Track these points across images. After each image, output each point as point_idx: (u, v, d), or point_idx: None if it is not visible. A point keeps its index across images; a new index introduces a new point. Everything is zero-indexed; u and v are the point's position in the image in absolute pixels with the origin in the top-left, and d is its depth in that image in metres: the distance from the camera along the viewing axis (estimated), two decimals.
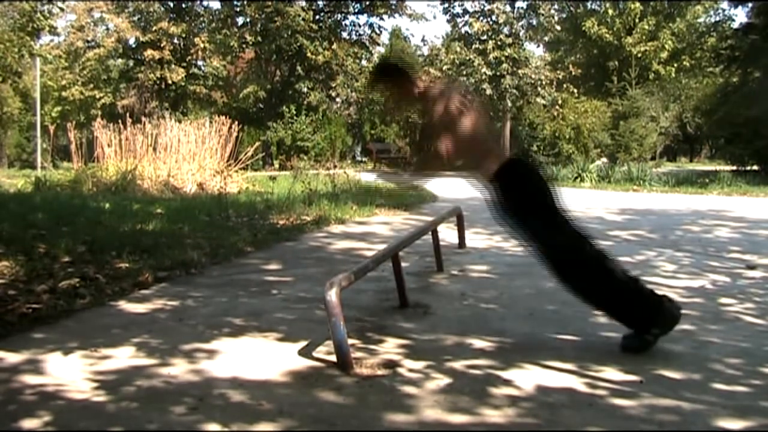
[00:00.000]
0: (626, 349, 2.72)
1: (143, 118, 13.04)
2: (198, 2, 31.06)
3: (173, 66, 29.86)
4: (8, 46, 22.25)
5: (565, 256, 2.78)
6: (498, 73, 19.80)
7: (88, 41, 30.97)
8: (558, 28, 23.60)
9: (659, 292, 2.91)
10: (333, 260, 4.96)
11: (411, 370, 2.50)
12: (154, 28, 29.36)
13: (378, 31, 30.85)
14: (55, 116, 33.19)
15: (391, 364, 2.57)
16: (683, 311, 3.39)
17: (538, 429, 2.01)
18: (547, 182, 2.87)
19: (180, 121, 13.35)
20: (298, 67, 29.30)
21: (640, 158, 21.96)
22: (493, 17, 19.92)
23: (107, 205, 7.68)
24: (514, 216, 2.83)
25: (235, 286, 4.01)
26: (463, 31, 21.09)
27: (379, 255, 3.26)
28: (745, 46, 18.52)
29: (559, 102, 23.11)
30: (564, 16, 30.57)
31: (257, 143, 16.76)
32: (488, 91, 19.94)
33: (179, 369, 2.50)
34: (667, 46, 31.20)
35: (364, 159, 32.10)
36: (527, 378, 2.41)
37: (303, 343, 2.82)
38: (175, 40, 30.54)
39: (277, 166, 26.39)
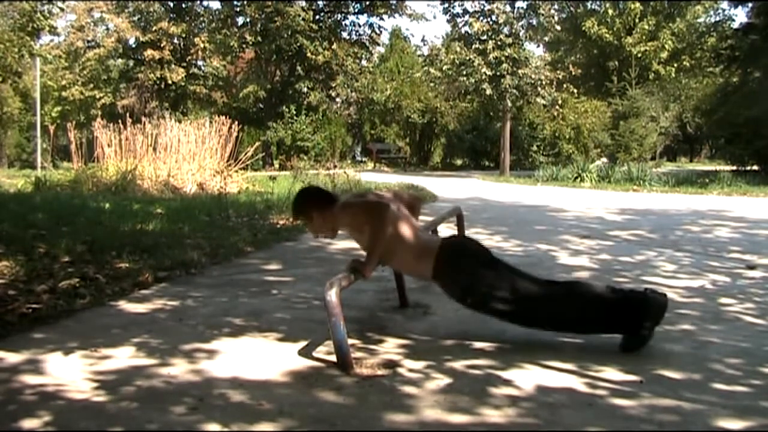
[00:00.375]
0: (627, 349, 2.73)
1: (143, 118, 13.03)
2: (198, 2, 31.09)
3: (173, 66, 29.88)
4: (8, 46, 22.24)
5: (534, 300, 2.77)
6: (498, 73, 19.75)
7: (88, 41, 30.99)
8: (558, 28, 23.54)
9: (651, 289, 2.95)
10: (333, 260, 4.96)
11: (411, 370, 2.50)
12: (154, 28, 29.38)
13: (378, 31, 30.88)
14: (55, 116, 33.21)
15: (391, 364, 2.57)
16: (683, 311, 3.41)
17: (538, 429, 2.01)
18: (479, 244, 3.01)
19: (180, 121, 13.33)
20: (298, 67, 29.32)
21: (640, 158, 21.95)
22: (493, 17, 19.86)
23: (107, 205, 7.68)
24: (471, 282, 2.82)
25: (235, 286, 4.01)
26: (463, 31, 21.04)
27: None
28: (745, 46, 18.54)
29: (559, 102, 23.09)
30: (564, 16, 30.55)
31: (257, 143, 16.75)
32: (488, 91, 19.90)
33: (179, 369, 2.50)
34: (667, 46, 31.21)
35: (364, 159, 32.13)
36: (527, 378, 2.41)
37: (303, 343, 2.82)
38: (175, 40, 30.56)
39: (277, 166, 26.40)
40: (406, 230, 2.90)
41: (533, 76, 20.22)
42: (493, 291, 2.77)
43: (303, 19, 26.56)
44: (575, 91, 24.46)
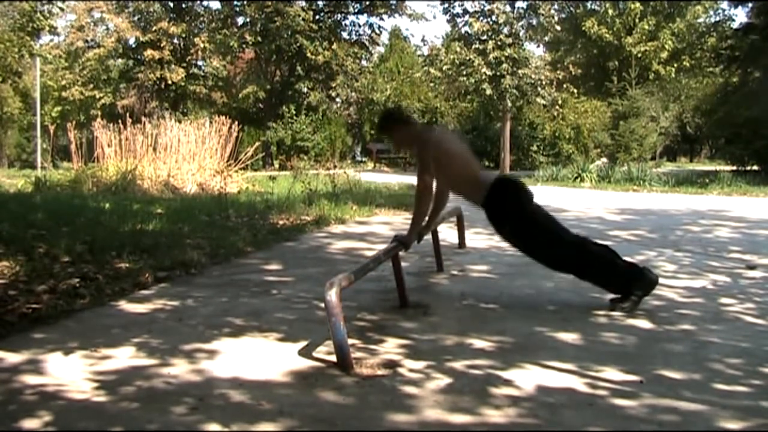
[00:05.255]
0: (614, 305, 3.34)
1: (143, 118, 13.04)
2: (198, 2, 31.07)
3: (173, 66, 29.84)
4: (8, 46, 22.22)
5: (555, 240, 3.43)
6: (498, 73, 19.75)
7: (88, 41, 30.96)
8: (558, 28, 23.52)
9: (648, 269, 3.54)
10: (333, 260, 4.96)
11: (411, 370, 2.50)
12: (154, 28, 29.34)
13: (378, 31, 30.88)
14: (55, 116, 33.13)
15: (391, 364, 2.57)
16: (683, 311, 3.42)
17: (539, 429, 2.01)
18: (525, 189, 3.56)
19: (180, 121, 13.34)
20: (298, 67, 29.30)
21: (640, 158, 21.92)
22: (493, 17, 19.87)
23: (107, 205, 7.68)
24: (511, 216, 3.49)
25: (235, 286, 4.01)
26: (463, 31, 21.06)
27: (379, 255, 3.27)
28: (745, 46, 18.52)
29: (559, 102, 23.09)
30: (564, 16, 30.52)
31: (257, 143, 16.75)
32: (488, 91, 19.89)
33: (179, 369, 2.50)
34: (667, 46, 31.15)
35: (364, 159, 32.12)
36: (527, 378, 2.41)
37: (303, 343, 2.82)
38: (175, 40, 30.53)
39: (277, 166, 26.40)
40: (465, 168, 3.61)
41: (533, 76, 20.21)
42: (527, 227, 3.45)
43: (303, 19, 26.55)
44: (575, 91, 24.45)
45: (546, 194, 12.74)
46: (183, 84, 30.24)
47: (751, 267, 4.72)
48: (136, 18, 30.37)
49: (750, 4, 20.06)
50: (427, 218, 3.78)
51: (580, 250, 3.45)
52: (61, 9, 25.98)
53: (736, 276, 4.43)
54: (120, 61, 32.58)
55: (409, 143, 3.80)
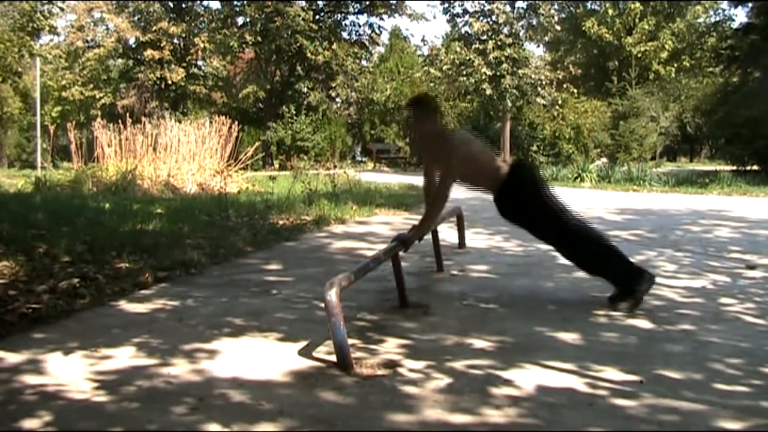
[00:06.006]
0: (615, 303, 3.37)
1: (143, 118, 13.05)
2: (198, 2, 31.07)
3: (173, 66, 29.85)
4: (8, 46, 22.24)
5: (569, 233, 3.50)
6: (498, 73, 19.79)
7: (88, 41, 30.97)
8: (558, 28, 23.57)
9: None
10: (333, 260, 4.96)
11: (411, 370, 2.50)
12: (154, 28, 29.35)
13: (378, 31, 30.87)
14: (55, 116, 33.13)
15: (391, 364, 2.57)
16: (683, 311, 3.43)
17: (539, 429, 2.01)
18: (539, 176, 3.71)
19: (180, 121, 13.34)
20: (298, 67, 29.30)
21: (640, 158, 21.93)
22: (493, 17, 19.92)
23: (107, 205, 7.68)
24: (523, 208, 3.56)
25: (235, 286, 4.01)
26: (463, 31, 21.10)
27: (379, 255, 3.27)
28: (745, 46, 18.52)
29: (559, 102, 23.11)
30: (564, 16, 30.54)
31: (257, 143, 16.77)
32: (488, 91, 19.92)
33: (179, 369, 2.50)
34: (667, 46, 31.17)
35: (364, 159, 32.12)
36: (527, 378, 2.41)
37: (303, 343, 2.82)
38: (175, 40, 30.53)
39: (277, 166, 26.39)
40: (481, 165, 3.63)
41: (533, 76, 20.25)
42: (540, 217, 3.53)
43: (303, 19, 26.55)
44: (575, 91, 24.48)
45: None
46: (183, 84, 30.24)
47: (751, 267, 4.72)
48: (136, 18, 30.37)
49: (750, 4, 20.07)
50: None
51: (601, 248, 3.50)
52: (61, 9, 26.02)
53: (736, 276, 4.43)
54: (120, 61, 32.59)
55: (430, 141, 3.69)
